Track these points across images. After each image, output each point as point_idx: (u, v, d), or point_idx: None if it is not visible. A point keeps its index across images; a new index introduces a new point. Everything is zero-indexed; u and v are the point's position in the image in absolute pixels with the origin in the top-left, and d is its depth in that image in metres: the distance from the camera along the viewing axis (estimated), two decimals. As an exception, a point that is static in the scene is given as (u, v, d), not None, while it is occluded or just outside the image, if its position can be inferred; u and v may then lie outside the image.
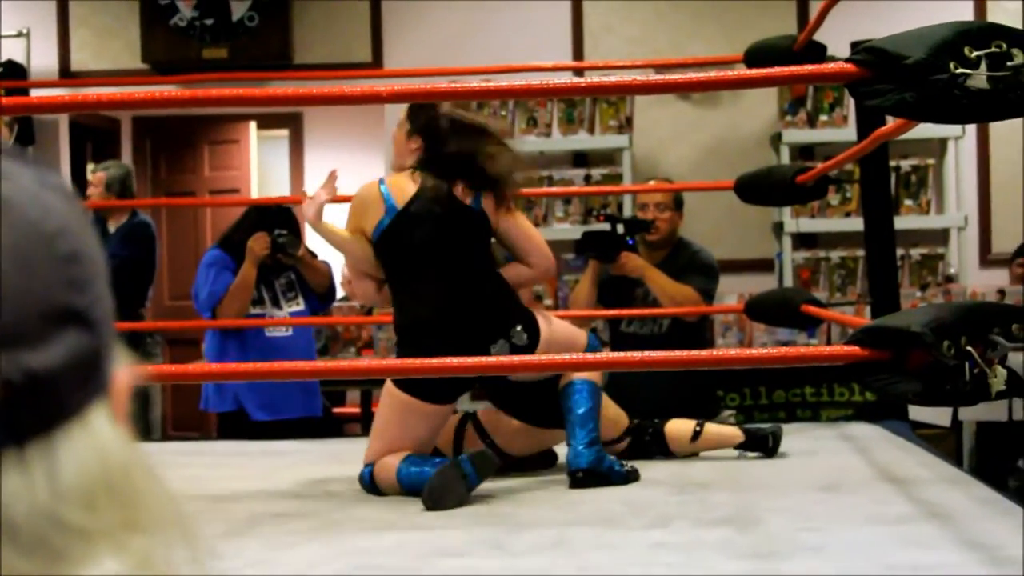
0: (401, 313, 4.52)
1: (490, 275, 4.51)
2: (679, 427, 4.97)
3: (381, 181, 4.55)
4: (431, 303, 4.42)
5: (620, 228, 5.90)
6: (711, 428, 4.99)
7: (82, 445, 0.81)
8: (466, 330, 4.37)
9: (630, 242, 5.84)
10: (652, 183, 6.62)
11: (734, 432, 5.00)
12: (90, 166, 9.74)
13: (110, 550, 0.81)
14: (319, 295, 6.53)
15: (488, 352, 4.34)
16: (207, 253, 6.62)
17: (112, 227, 7.58)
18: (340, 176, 4.70)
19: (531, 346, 4.42)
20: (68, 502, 0.79)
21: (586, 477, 4.35)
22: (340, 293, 6.83)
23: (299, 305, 6.45)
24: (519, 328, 4.41)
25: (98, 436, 0.82)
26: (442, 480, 4.03)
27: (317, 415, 6.51)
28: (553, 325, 4.61)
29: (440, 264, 4.44)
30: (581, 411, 4.43)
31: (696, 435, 4.94)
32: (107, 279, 0.86)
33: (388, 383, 4.46)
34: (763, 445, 4.96)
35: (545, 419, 4.68)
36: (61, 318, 0.80)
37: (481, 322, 4.40)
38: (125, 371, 0.88)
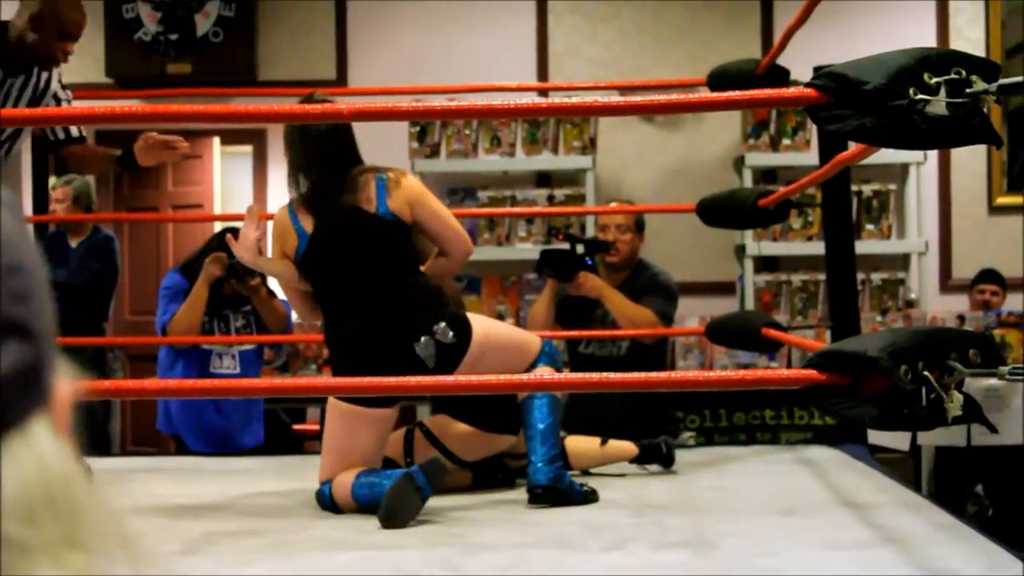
0: (328, 328, 4.53)
1: (409, 277, 4.47)
2: (581, 442, 4.99)
3: (290, 204, 4.56)
4: (352, 314, 4.43)
5: (580, 248, 5.89)
6: (613, 441, 5.03)
7: (23, 458, 0.80)
8: (388, 333, 4.36)
9: (589, 262, 5.84)
10: (614, 204, 6.62)
11: (631, 446, 5.04)
12: (52, 179, 9.68)
13: (50, 565, 0.80)
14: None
15: (413, 351, 4.33)
16: (166, 276, 6.57)
17: (73, 242, 7.54)
18: None
19: (460, 345, 4.40)
20: (8, 516, 0.78)
21: (545, 494, 4.33)
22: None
23: (251, 345, 6.41)
24: (443, 325, 4.38)
25: (39, 449, 0.81)
26: (397, 497, 4.01)
27: (259, 443, 6.45)
28: (492, 328, 4.60)
29: (357, 277, 4.43)
30: (542, 427, 4.41)
31: (604, 442, 4.99)
32: (48, 291, 0.85)
33: (331, 397, 4.46)
34: (658, 453, 5.02)
35: (494, 423, 4.68)
36: (1, 330, 0.79)
37: (402, 323, 4.37)
38: (67, 383, 0.87)
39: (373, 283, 4.42)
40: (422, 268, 4.61)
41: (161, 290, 6.36)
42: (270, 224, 4.69)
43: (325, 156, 4.45)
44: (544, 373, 4.52)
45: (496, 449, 4.78)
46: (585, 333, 5.99)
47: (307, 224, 4.46)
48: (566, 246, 5.92)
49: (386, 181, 4.45)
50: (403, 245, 4.48)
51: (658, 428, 5.88)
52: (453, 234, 4.61)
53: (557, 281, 5.91)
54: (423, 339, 4.35)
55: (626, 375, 3.78)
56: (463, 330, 4.42)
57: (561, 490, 4.35)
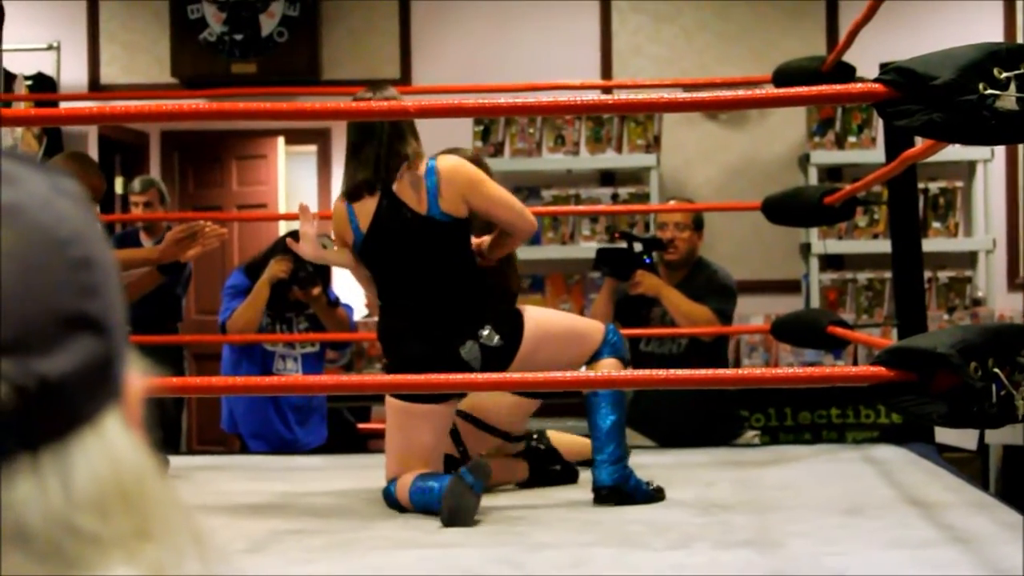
0: (380, 319, 4.54)
1: (457, 277, 4.41)
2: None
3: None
4: (400, 311, 4.42)
5: (637, 246, 5.87)
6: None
7: (95, 452, 0.80)
8: (433, 336, 4.34)
9: (647, 261, 5.81)
10: (673, 203, 6.60)
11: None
12: (119, 179, 9.76)
13: (122, 557, 0.80)
14: (333, 343, 6.56)
15: (458, 355, 4.30)
16: (231, 275, 6.62)
17: (148, 242, 7.56)
18: None
19: (509, 345, 4.35)
20: (81, 509, 0.79)
21: (610, 494, 4.30)
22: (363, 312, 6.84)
23: (313, 347, 6.45)
24: (488, 330, 4.33)
25: (111, 443, 0.82)
26: (453, 498, 4.00)
27: (322, 443, 6.49)
28: (547, 322, 4.53)
29: (406, 277, 4.41)
30: (607, 425, 4.38)
31: None
32: (119, 285, 0.85)
33: (388, 396, 4.47)
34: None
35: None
36: (73, 324, 0.79)
37: (447, 326, 4.34)
38: (139, 378, 0.87)
39: (421, 284, 4.39)
40: (486, 239, 4.59)
41: (225, 288, 6.41)
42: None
43: (377, 147, 4.37)
44: (609, 366, 4.50)
45: (527, 412, 4.78)
46: (643, 332, 5.96)
47: (362, 222, 4.41)
48: (623, 245, 5.91)
49: (438, 181, 4.33)
50: (454, 245, 4.40)
51: (720, 427, 5.87)
52: (515, 215, 4.48)
53: (615, 280, 5.89)
54: (468, 343, 4.32)
55: (693, 372, 3.77)
56: (513, 329, 4.37)
57: (627, 491, 4.32)
